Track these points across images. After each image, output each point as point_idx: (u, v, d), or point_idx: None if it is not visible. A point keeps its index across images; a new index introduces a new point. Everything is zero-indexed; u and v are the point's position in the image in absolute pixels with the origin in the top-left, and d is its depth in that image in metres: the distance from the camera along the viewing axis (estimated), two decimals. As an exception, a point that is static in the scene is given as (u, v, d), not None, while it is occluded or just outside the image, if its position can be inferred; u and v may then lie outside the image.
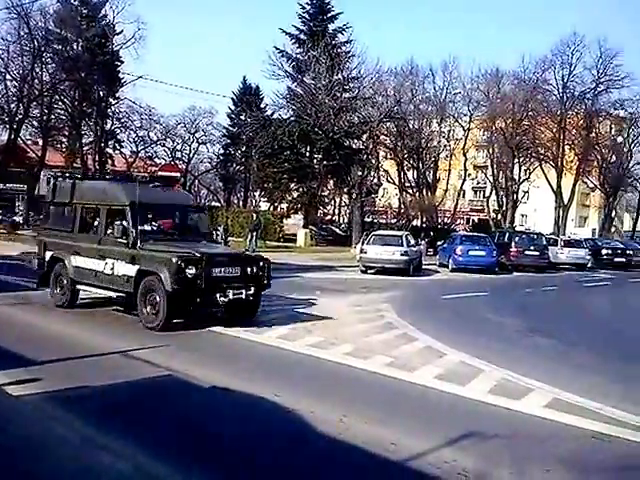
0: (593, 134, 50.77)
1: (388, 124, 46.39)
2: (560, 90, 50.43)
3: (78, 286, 12.62)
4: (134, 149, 52.52)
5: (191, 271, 10.60)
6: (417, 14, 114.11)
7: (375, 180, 48.33)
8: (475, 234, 32.67)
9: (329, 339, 10.78)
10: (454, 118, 52.38)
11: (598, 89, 50.12)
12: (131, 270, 11.25)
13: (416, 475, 5.39)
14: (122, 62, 48.45)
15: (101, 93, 48.45)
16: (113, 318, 12.27)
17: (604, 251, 36.47)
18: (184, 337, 10.58)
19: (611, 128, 54.39)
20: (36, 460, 5.07)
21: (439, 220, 53.44)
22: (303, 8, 44.02)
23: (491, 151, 53.47)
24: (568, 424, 6.88)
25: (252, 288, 11.49)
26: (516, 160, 50.66)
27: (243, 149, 54.29)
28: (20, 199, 57.10)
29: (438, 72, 51.40)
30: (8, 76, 43.64)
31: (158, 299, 10.75)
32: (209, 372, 8.31)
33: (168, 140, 55.25)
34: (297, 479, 5.42)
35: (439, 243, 33.09)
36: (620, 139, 53.37)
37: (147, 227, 11.84)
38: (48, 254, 13.20)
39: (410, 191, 52.24)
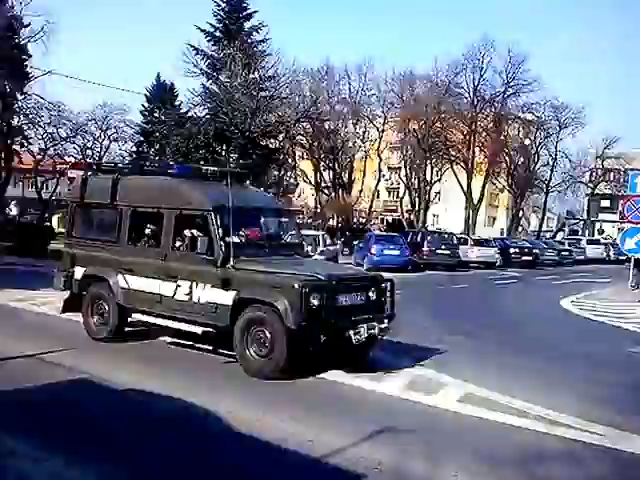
0: (502, 137, 52.44)
1: (305, 124, 46.49)
2: (471, 93, 51.87)
3: (131, 314, 10.02)
4: (43, 146, 50.36)
5: (315, 300, 8.17)
6: (333, 15, 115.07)
7: (292, 180, 48.45)
8: (389, 234, 33.33)
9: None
10: (369, 119, 53.02)
11: (507, 93, 51.78)
12: (223, 297, 8.66)
13: (334, 471, 5.47)
14: (30, 56, 46.42)
15: (7, 88, 46.26)
16: (23, 320, 11.83)
17: (512, 250, 37.79)
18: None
19: (519, 131, 56.03)
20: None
21: (355, 220, 54.10)
22: (218, 5, 43.25)
23: (405, 152, 54.33)
24: (480, 417, 7.15)
25: (385, 320, 9.25)
26: (428, 161, 51.69)
27: (157, 147, 53.11)
28: None
29: (353, 74, 51.90)
30: None
31: (270, 337, 8.22)
32: (124, 374, 8.14)
33: (78, 137, 53.26)
34: (216, 478, 5.42)
35: (355, 243, 33.56)
36: (527, 142, 55.45)
37: (236, 239, 9.07)
38: (79, 271, 10.40)
39: (326, 191, 52.63)
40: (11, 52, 44.47)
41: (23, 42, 45.48)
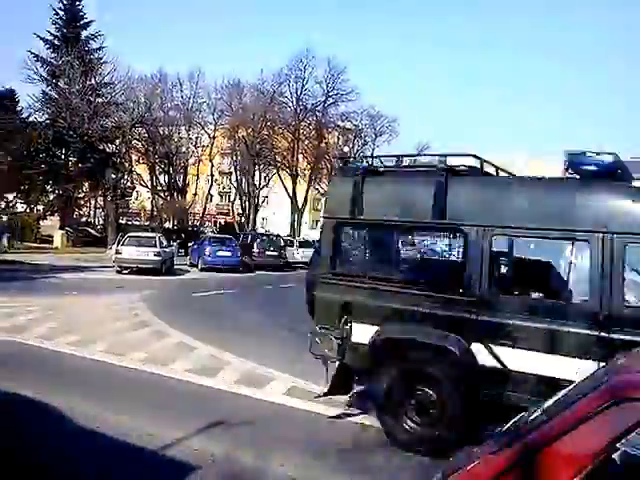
0: (323, 144, 53.31)
1: (140, 129, 44.93)
2: (294, 102, 52.30)
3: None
4: None
5: None
6: (166, 25, 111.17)
7: (129, 183, 46.69)
8: (222, 236, 33.17)
9: (86, 337, 10.35)
10: (201, 126, 52.04)
11: (327, 102, 52.68)
12: None
13: (170, 462, 5.44)
14: None
15: None
16: None
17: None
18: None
19: (339, 139, 56.90)
20: None
21: (190, 222, 53.12)
22: (57, 14, 41.14)
23: (235, 158, 54.03)
24: (305, 409, 7.28)
25: None
26: (257, 167, 51.79)
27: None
28: None
29: (185, 81, 50.51)
30: None
31: None
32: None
33: None
34: (54, 472, 5.19)
35: (190, 244, 33.07)
36: (347, 149, 57.14)
37: None
38: (363, 330, 6.41)
39: (162, 194, 51.18)
40: None
41: None
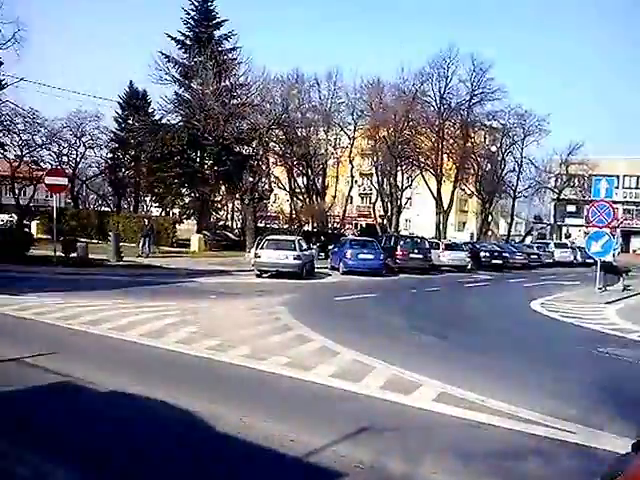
0: (469, 144, 52.80)
1: (277, 131, 46.49)
2: (438, 101, 52.24)
3: None
4: (19, 153, 49.72)
5: None
6: (302, 23, 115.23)
7: (266, 186, 48.36)
8: (363, 238, 33.43)
9: (227, 342, 10.74)
10: (340, 127, 53.21)
11: (472, 101, 52.23)
12: None
13: (314, 469, 5.51)
14: (1, 63, 45.80)
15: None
16: (4, 324, 11.74)
17: (482, 253, 37.95)
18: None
19: (485, 138, 56.87)
20: None
21: (329, 225, 54.19)
22: (188, 14, 43.18)
23: (375, 159, 54.53)
24: (455, 416, 7.20)
25: None
26: (399, 168, 51.91)
27: (132, 153, 52.74)
28: None
29: (323, 82, 51.92)
30: None
31: None
32: (107, 377, 8.12)
33: (54, 144, 52.64)
34: (196, 477, 5.42)
35: (330, 247, 33.66)
36: (494, 149, 56.11)
37: None
38: None
39: (301, 197, 52.67)
40: (-13, 60, 43.94)
41: (-5, 50, 44.99)
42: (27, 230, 37.99)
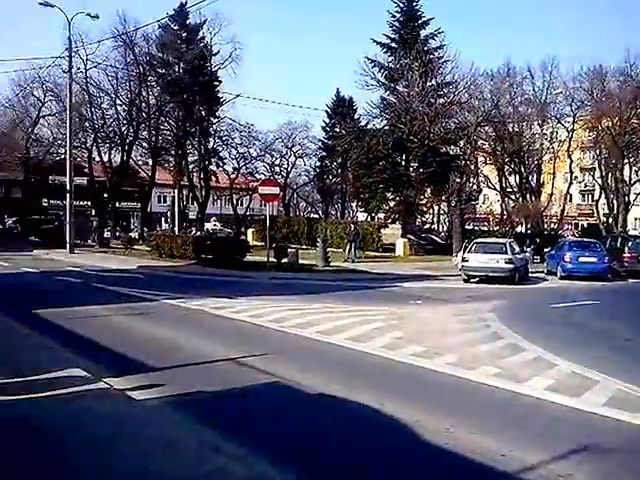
0: None
1: (486, 128, 45.42)
2: (672, 85, 47.56)
3: None
4: (236, 165, 54.07)
5: None
6: (510, 16, 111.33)
7: (474, 186, 47.39)
8: (585, 239, 31.43)
9: (433, 349, 10.64)
10: (556, 119, 50.50)
11: None
12: None
13: (527, 487, 5.24)
14: (220, 82, 50.22)
15: (203, 113, 50.37)
16: (221, 326, 12.74)
17: None
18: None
19: None
20: (155, 460, 5.36)
21: (545, 226, 51.64)
22: (393, 16, 43.75)
23: (598, 152, 51.24)
24: None
25: None
26: (626, 160, 48.17)
27: (339, 161, 54.77)
28: (134, 216, 60.70)
29: (537, 72, 49.81)
30: (118, 101, 46.49)
31: None
32: (315, 379, 8.46)
33: (267, 155, 56.53)
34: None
35: (546, 250, 31.98)
36: None
37: None
38: None
39: (513, 196, 50.84)
40: (205, 80, 48.55)
41: (214, 69, 49.49)
42: (243, 238, 41.03)
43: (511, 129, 47.79)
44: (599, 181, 52.35)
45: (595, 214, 53.98)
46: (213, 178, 52.95)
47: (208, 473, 5.12)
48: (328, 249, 29.70)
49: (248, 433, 6.30)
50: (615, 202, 49.44)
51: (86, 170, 47.67)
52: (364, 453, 5.99)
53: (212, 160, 51.98)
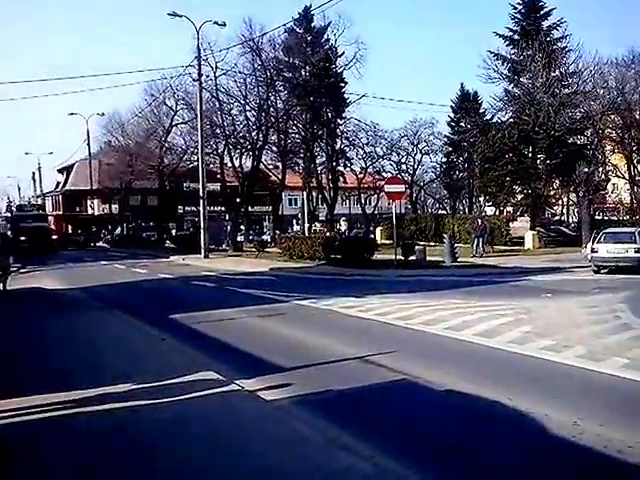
0: None
1: (613, 116, 42.74)
2: None
3: None
4: (363, 165, 54.27)
5: None
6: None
7: (603, 176, 44.84)
8: None
9: (561, 341, 10.32)
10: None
11: None
12: None
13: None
14: (346, 83, 50.48)
15: (329, 114, 50.80)
16: (349, 325, 12.94)
17: None
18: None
19: None
20: (284, 458, 5.49)
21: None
22: (515, 8, 42.56)
23: None
24: None
25: None
26: None
27: (465, 156, 53.54)
28: (267, 219, 62.33)
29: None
30: (247, 107, 47.10)
31: None
32: (441, 375, 8.46)
33: (393, 154, 56.23)
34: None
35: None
36: None
37: None
38: None
39: (644, 184, 47.42)
40: (330, 81, 49.09)
41: (339, 71, 49.90)
42: (372, 236, 41.18)
43: (638, 116, 44.63)
44: None
45: None
46: (341, 178, 53.42)
47: (335, 472, 5.19)
48: (456, 245, 29.24)
49: (375, 431, 6.39)
50: None
51: (219, 176, 48.71)
52: (491, 447, 5.99)
53: (340, 161, 52.42)
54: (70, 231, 67.15)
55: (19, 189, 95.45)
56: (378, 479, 5.09)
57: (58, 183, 77.75)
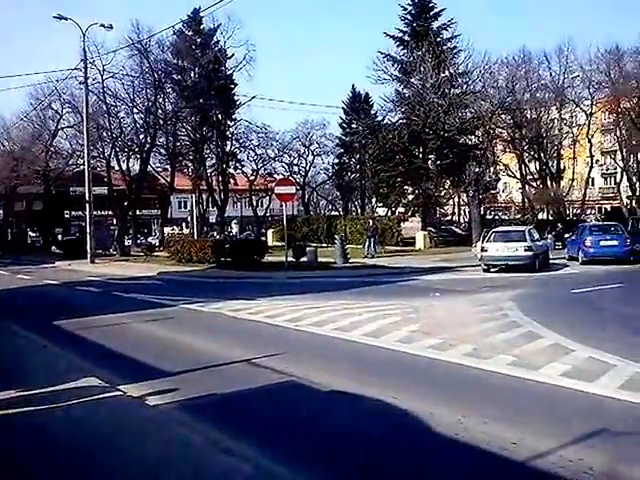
0: None
1: (503, 116, 45.02)
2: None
3: None
4: (254, 167, 54.24)
5: None
6: (524, 2, 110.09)
7: (493, 175, 47.08)
8: (605, 223, 31.05)
9: (448, 340, 10.60)
10: (574, 103, 49.78)
11: None
12: None
13: (538, 475, 5.21)
14: (236, 85, 50.56)
15: (219, 116, 50.60)
16: (237, 328, 12.83)
17: None
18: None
19: None
20: (165, 461, 5.45)
21: (567, 212, 51.01)
22: (405, 9, 43.80)
23: (619, 134, 50.43)
24: None
25: None
26: (648, 141, 47.38)
27: (357, 157, 54.73)
28: (156, 223, 61.23)
29: (553, 57, 49.34)
30: (135, 109, 46.67)
31: None
32: (328, 376, 8.49)
33: (285, 155, 56.67)
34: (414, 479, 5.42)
35: (566, 236, 31.66)
36: None
37: None
38: None
39: (533, 184, 50.33)
40: (220, 83, 48.84)
41: (229, 72, 49.78)
42: (263, 239, 41.21)
43: (529, 115, 47.36)
44: (621, 164, 51.66)
45: (618, 197, 53.20)
46: (232, 181, 53.19)
47: (215, 475, 5.18)
48: (348, 246, 29.67)
49: (259, 434, 6.36)
50: (638, 184, 48.71)
51: (106, 179, 48.07)
52: (374, 446, 6.01)
53: (230, 163, 52.21)
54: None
55: None
56: (259, 481, 5.04)
57: None
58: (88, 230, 35.75)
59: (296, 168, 58.85)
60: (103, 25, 35.15)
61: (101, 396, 7.42)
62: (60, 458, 5.61)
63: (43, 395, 7.40)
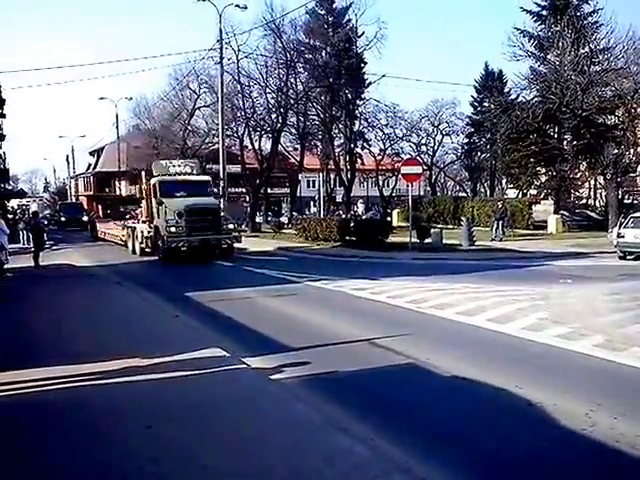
0: None
1: (646, 96, 41.83)
2: None
3: None
4: (381, 147, 53.91)
5: None
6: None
7: (633, 158, 44.04)
8: None
9: (579, 330, 10.08)
10: None
11: None
12: None
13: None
14: (366, 63, 50.30)
15: (348, 96, 50.66)
16: (359, 307, 12.86)
17: None
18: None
19: None
20: (282, 437, 5.52)
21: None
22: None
23: None
24: None
25: None
26: None
27: (487, 136, 52.91)
28: (285, 201, 62.70)
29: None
30: (267, 89, 47.50)
31: None
32: (449, 361, 8.32)
33: (413, 135, 55.73)
34: (536, 475, 5.20)
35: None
36: None
37: None
38: None
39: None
40: (350, 62, 48.84)
41: (359, 51, 49.64)
42: (388, 219, 41.02)
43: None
44: None
45: None
46: (359, 161, 53.25)
47: (331, 453, 5.15)
48: (475, 228, 28.89)
49: (377, 415, 6.35)
50: None
51: (239, 158, 49.47)
52: (494, 437, 5.87)
53: (358, 143, 52.24)
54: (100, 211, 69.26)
55: (54, 171, 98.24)
56: (373, 463, 5.00)
57: (89, 165, 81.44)
58: (222, 205, 36.97)
59: (424, 148, 57.79)
60: (238, 5, 35.65)
61: (224, 367, 7.66)
62: (175, 428, 5.75)
63: (171, 363, 7.78)
